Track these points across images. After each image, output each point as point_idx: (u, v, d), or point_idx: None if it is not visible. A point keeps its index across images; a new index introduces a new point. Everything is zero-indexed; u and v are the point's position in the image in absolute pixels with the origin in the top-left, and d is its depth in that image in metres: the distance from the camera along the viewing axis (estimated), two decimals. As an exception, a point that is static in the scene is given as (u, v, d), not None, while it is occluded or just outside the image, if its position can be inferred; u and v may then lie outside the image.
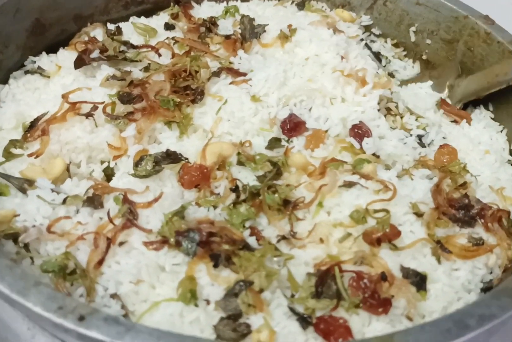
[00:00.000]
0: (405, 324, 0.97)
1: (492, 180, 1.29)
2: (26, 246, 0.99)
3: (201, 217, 1.05)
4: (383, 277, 0.99)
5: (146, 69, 1.36)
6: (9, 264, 0.79)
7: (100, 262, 0.97)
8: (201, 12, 1.67)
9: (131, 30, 1.54)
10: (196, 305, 0.94)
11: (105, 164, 1.21)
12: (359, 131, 1.24)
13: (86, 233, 1.00)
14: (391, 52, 1.72)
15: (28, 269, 0.96)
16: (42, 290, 0.77)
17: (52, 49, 1.46)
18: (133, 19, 1.61)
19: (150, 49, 1.43)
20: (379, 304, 0.96)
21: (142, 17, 1.62)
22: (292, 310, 0.96)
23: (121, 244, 0.99)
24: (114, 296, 0.96)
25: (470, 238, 1.13)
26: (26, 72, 1.37)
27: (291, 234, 1.09)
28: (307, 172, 1.18)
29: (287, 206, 1.11)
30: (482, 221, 1.14)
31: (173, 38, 1.48)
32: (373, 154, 1.23)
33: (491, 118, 1.48)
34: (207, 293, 0.97)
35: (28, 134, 1.18)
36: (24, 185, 1.10)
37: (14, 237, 0.99)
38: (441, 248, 1.09)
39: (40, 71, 1.36)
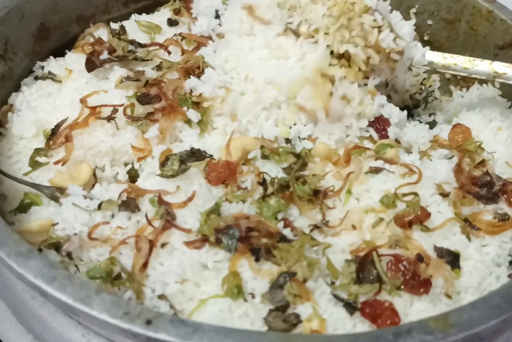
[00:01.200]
0: (444, 302, 1.01)
1: (507, 155, 1.32)
2: (68, 255, 1.00)
3: (236, 213, 1.07)
4: (420, 258, 1.02)
5: (159, 67, 1.36)
6: (67, 274, 0.80)
7: (145, 265, 0.98)
8: (200, 5, 1.66)
9: (134, 28, 1.53)
10: (245, 300, 0.96)
11: (129, 166, 1.22)
12: (379, 125, 1.26)
13: (127, 237, 1.01)
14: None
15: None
16: (105, 297, 0.78)
17: (57, 53, 1.45)
18: (134, 16, 1.60)
19: (158, 47, 1.43)
20: (420, 284, 0.99)
21: (143, 14, 1.61)
22: (336, 296, 0.98)
23: (163, 245, 1.01)
24: (161, 297, 0.97)
25: (496, 213, 1.16)
26: (36, 78, 1.36)
27: (323, 222, 1.12)
28: (332, 161, 1.20)
29: (317, 195, 1.14)
30: (505, 196, 1.18)
31: (180, 34, 1.47)
32: (394, 139, 1.27)
33: (499, 95, 1.51)
34: (251, 287, 0.99)
35: (51, 142, 1.18)
36: (56, 193, 1.10)
37: (56, 246, 1.00)
38: (469, 225, 1.12)
39: (51, 76, 1.35)
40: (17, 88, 1.34)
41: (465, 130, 1.37)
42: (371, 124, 1.26)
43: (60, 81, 1.35)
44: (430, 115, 1.59)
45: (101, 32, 1.50)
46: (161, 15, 1.61)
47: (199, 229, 1.02)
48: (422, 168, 1.19)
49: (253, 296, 0.99)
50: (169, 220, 1.02)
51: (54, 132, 1.20)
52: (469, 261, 1.08)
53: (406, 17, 1.68)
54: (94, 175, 1.17)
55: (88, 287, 0.79)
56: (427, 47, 1.41)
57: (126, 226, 1.03)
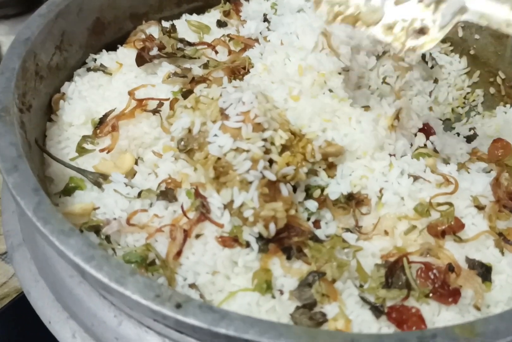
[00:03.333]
0: (473, 313, 1.00)
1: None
2: (107, 238, 1.04)
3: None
4: (451, 268, 1.02)
5: (205, 66, 1.39)
6: (105, 255, 0.83)
7: (179, 253, 1.01)
8: (249, 9, 1.70)
9: (184, 27, 1.58)
10: (273, 296, 0.98)
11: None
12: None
13: (163, 226, 1.04)
14: (437, 48, 1.74)
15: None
16: (138, 279, 0.80)
17: (110, 47, 1.50)
18: (185, 16, 1.65)
19: (206, 46, 1.47)
20: (449, 294, 0.99)
21: (194, 15, 1.66)
22: (363, 299, 0.99)
23: (197, 236, 1.03)
24: (192, 286, 1.00)
25: (531, 230, 1.15)
26: (89, 69, 1.41)
27: (356, 228, 1.13)
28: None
29: (351, 201, 1.15)
30: (542, 214, 1.17)
31: (228, 35, 1.51)
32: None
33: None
34: (280, 283, 1.01)
35: (98, 130, 1.22)
36: (99, 179, 1.14)
37: (96, 229, 1.03)
38: (504, 240, 1.11)
39: (102, 68, 1.40)
40: (70, 78, 1.39)
41: (506, 145, 1.35)
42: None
43: (111, 74, 1.39)
44: (470, 129, 1.59)
45: (153, 30, 1.55)
46: (211, 17, 1.65)
47: (230, 231, 1.04)
48: (459, 179, 1.18)
49: (281, 292, 1.01)
50: (203, 212, 1.04)
51: (101, 121, 1.24)
52: (501, 275, 1.07)
53: (454, 30, 1.69)
54: (137, 164, 1.21)
55: (124, 268, 0.81)
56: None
57: (163, 215, 1.06)
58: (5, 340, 1.42)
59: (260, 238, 1.03)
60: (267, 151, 1.07)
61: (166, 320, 0.78)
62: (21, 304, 1.11)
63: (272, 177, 1.03)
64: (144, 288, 0.79)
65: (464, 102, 1.72)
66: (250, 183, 1.03)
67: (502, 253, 1.10)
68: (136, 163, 1.21)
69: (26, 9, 2.46)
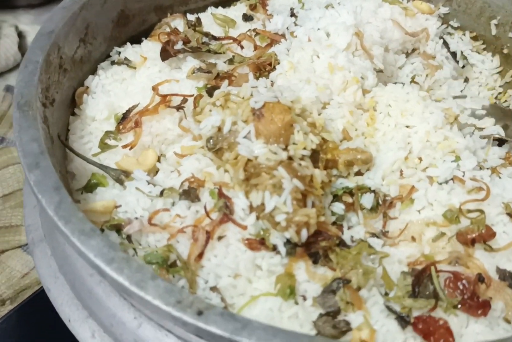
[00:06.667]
0: (502, 326, 0.97)
1: None
2: (128, 238, 1.02)
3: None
4: (481, 278, 0.99)
5: (230, 61, 1.37)
6: (125, 257, 0.81)
7: (201, 255, 0.99)
8: (276, 2, 1.66)
9: (210, 20, 1.55)
10: (296, 303, 0.95)
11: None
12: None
13: (185, 226, 1.01)
14: (469, 46, 1.68)
15: (132, 260, 0.98)
16: (160, 283, 0.78)
17: (134, 40, 1.48)
18: (210, 9, 1.61)
19: (232, 41, 1.44)
20: (478, 305, 0.95)
21: (220, 8, 1.62)
22: (389, 308, 0.96)
23: (219, 238, 1.01)
24: (213, 289, 0.98)
25: None
26: (112, 63, 1.39)
27: (382, 232, 1.10)
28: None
29: (380, 205, 1.11)
30: None
31: (254, 30, 1.48)
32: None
33: None
34: (304, 289, 0.98)
35: (121, 126, 1.20)
36: (121, 176, 1.12)
37: (117, 228, 1.02)
38: (536, 250, 1.07)
39: (126, 62, 1.38)
40: (94, 71, 1.37)
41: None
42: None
43: (135, 68, 1.37)
44: (502, 132, 1.54)
45: (178, 23, 1.52)
46: (237, 10, 1.61)
47: (256, 233, 1.01)
48: (491, 185, 1.14)
49: (304, 298, 0.98)
50: (226, 213, 1.02)
51: (124, 116, 1.22)
52: (533, 287, 1.03)
53: (486, 28, 1.64)
54: (159, 161, 1.19)
55: (144, 271, 0.79)
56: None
57: (185, 215, 1.04)
58: (26, 334, 1.42)
59: (287, 241, 1.00)
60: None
61: (186, 327, 0.76)
62: (43, 296, 1.09)
63: (302, 186, 1.00)
64: (165, 293, 0.77)
65: (495, 103, 1.66)
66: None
67: (535, 264, 1.06)
68: (158, 160, 1.19)
69: (50, -1, 2.47)
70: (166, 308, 0.76)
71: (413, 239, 1.08)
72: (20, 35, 2.32)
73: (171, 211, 1.05)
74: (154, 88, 1.24)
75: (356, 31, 1.36)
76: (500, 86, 1.66)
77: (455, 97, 1.47)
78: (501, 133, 1.30)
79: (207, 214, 1.03)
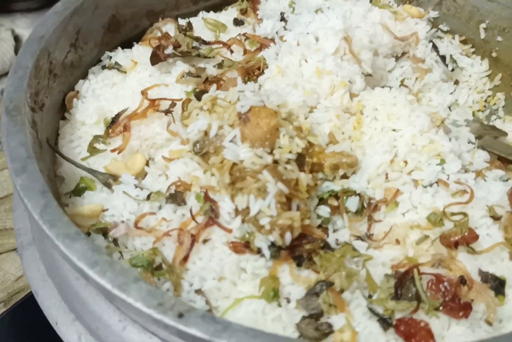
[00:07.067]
0: (484, 328, 0.98)
1: None
2: (114, 241, 1.03)
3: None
4: (463, 280, 1.00)
5: (220, 65, 1.38)
6: (109, 260, 0.82)
7: (186, 258, 1.00)
8: (267, 7, 1.67)
9: (201, 25, 1.56)
10: (279, 305, 0.96)
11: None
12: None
13: (171, 230, 1.03)
14: (458, 49, 1.69)
15: (117, 263, 1.00)
16: (142, 286, 0.80)
17: (126, 44, 1.50)
18: (202, 14, 1.63)
19: (221, 45, 1.45)
20: (459, 307, 0.96)
21: (211, 12, 1.64)
22: (372, 310, 0.97)
23: (205, 241, 1.02)
24: (198, 291, 0.99)
25: (549, 243, 1.11)
26: (103, 67, 1.41)
27: (367, 235, 1.11)
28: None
29: (365, 209, 1.13)
30: (561, 226, 1.13)
31: (244, 34, 1.49)
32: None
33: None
34: (287, 291, 1.00)
35: (110, 130, 1.21)
36: (109, 180, 1.13)
37: (104, 231, 1.03)
38: (519, 252, 1.08)
39: (117, 66, 1.39)
40: (84, 76, 1.39)
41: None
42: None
43: (125, 72, 1.39)
44: (490, 134, 1.55)
45: (169, 27, 1.54)
46: (228, 14, 1.63)
47: (241, 237, 1.02)
48: (475, 188, 1.15)
49: (288, 300, 0.99)
50: (212, 217, 1.03)
51: (114, 121, 1.23)
52: (515, 289, 1.04)
53: (476, 32, 1.65)
54: (148, 165, 1.20)
55: (127, 274, 0.81)
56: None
57: (171, 219, 1.05)
58: (19, 336, 1.43)
59: (272, 245, 1.02)
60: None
61: (168, 329, 0.77)
62: (35, 299, 1.10)
63: (286, 190, 1.01)
64: (147, 296, 0.79)
65: (484, 106, 1.68)
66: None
67: (517, 266, 1.07)
68: (147, 164, 1.20)
69: (48, 3, 2.48)
70: (148, 310, 0.78)
71: (397, 241, 1.09)
72: (17, 39, 2.34)
73: (157, 215, 1.06)
74: (143, 93, 1.26)
75: (344, 35, 1.37)
76: (489, 89, 1.68)
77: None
78: (472, 139, 1.32)
79: (193, 217, 1.04)
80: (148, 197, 1.09)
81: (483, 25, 1.63)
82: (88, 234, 1.03)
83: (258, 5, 1.66)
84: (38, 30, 1.22)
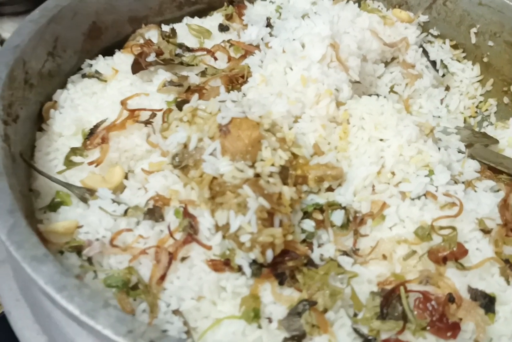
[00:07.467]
0: (473, 349, 0.95)
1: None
2: (89, 259, 0.99)
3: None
4: (451, 298, 0.96)
5: (203, 73, 1.34)
6: (77, 284, 0.79)
7: (163, 278, 0.96)
8: (253, 12, 1.64)
9: (185, 31, 1.52)
10: (259, 327, 0.93)
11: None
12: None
13: (148, 247, 0.99)
14: (449, 54, 1.66)
15: (91, 283, 0.96)
16: (111, 312, 0.76)
17: (108, 52, 1.46)
18: (186, 19, 1.59)
19: (206, 52, 1.42)
20: (447, 328, 0.93)
21: (196, 18, 1.60)
22: (356, 331, 0.94)
23: (183, 259, 0.99)
24: (176, 312, 0.95)
25: (541, 257, 1.08)
26: (83, 76, 1.36)
27: (353, 250, 1.07)
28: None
29: (350, 222, 1.09)
30: (553, 239, 1.09)
31: (228, 41, 1.45)
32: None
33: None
34: (269, 311, 0.96)
35: (88, 142, 1.17)
36: (86, 194, 1.09)
37: (78, 249, 0.99)
38: (510, 267, 1.05)
39: (97, 75, 1.35)
40: (63, 85, 1.34)
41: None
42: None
43: (106, 81, 1.35)
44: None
45: (152, 34, 1.50)
46: (213, 20, 1.59)
47: (221, 254, 0.99)
48: (465, 200, 1.12)
49: (270, 320, 0.96)
50: (191, 233, 0.99)
51: (92, 132, 1.19)
52: (506, 306, 1.01)
53: (466, 36, 1.61)
54: (127, 178, 1.16)
55: (96, 299, 0.77)
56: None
57: (148, 236, 1.01)
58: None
59: (253, 262, 0.98)
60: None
61: (138, 358, 0.73)
62: (6, 320, 1.06)
63: (268, 205, 0.98)
64: (116, 322, 0.75)
65: (476, 112, 1.64)
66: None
67: (508, 282, 1.04)
68: (126, 177, 1.16)
69: (35, 6, 2.44)
70: (117, 338, 0.74)
71: (384, 257, 1.06)
72: (3, 42, 2.29)
73: (134, 231, 1.02)
74: (123, 103, 1.22)
75: (331, 42, 1.33)
76: (481, 95, 1.64)
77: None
78: (462, 148, 1.28)
79: (171, 234, 1.00)
80: (125, 212, 1.05)
81: (474, 30, 1.60)
82: (61, 252, 0.99)
83: (244, 10, 1.62)
84: (13, 39, 1.18)
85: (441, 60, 1.62)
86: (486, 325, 0.96)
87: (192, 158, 1.06)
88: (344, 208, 1.11)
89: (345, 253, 1.07)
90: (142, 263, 0.98)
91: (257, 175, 1.04)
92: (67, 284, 0.78)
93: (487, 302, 0.99)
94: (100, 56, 1.43)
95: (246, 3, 1.65)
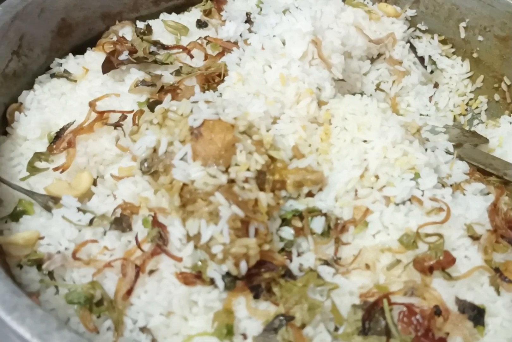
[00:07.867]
0: (461, 364, 0.89)
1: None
2: (50, 273, 0.93)
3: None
4: (437, 311, 0.90)
5: (178, 72, 1.28)
6: (30, 304, 0.72)
7: (129, 292, 0.90)
8: (233, 7, 1.57)
9: (161, 27, 1.46)
10: (232, 344, 0.87)
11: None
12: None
13: (113, 260, 0.93)
14: (438, 50, 1.59)
15: (52, 299, 0.89)
16: (66, 335, 0.70)
17: (79, 50, 1.39)
18: (163, 15, 1.52)
19: (181, 50, 1.35)
20: (433, 343, 0.87)
21: (173, 14, 1.53)
22: (336, 348, 0.88)
23: (151, 272, 0.92)
24: (143, 329, 0.89)
25: (533, 264, 1.02)
26: (52, 75, 1.30)
27: (334, 259, 1.01)
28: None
29: (331, 230, 1.03)
30: (546, 245, 1.04)
31: (205, 37, 1.39)
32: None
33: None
34: (244, 326, 0.90)
35: (54, 146, 1.11)
36: (49, 202, 1.03)
37: (38, 263, 0.93)
38: (500, 276, 0.99)
39: (66, 75, 1.28)
40: (31, 85, 1.27)
41: (506, 165, 1.23)
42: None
43: (75, 81, 1.28)
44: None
45: (127, 31, 1.44)
46: (191, 16, 1.52)
47: (193, 266, 0.93)
48: (453, 204, 1.06)
49: (244, 337, 0.90)
50: (160, 244, 0.93)
51: (58, 135, 1.13)
52: (496, 318, 0.95)
53: (455, 31, 1.56)
54: (95, 184, 1.10)
55: (50, 321, 0.71)
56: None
57: (114, 247, 0.95)
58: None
59: (226, 274, 0.92)
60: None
61: (94, 385, 0.67)
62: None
63: (241, 213, 0.91)
64: (70, 347, 0.69)
65: (466, 109, 1.58)
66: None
67: (498, 292, 0.98)
68: (94, 183, 1.09)
69: None
70: (71, 364, 0.68)
71: (367, 266, 0.99)
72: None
73: (100, 242, 0.96)
74: (91, 104, 1.15)
75: (313, 38, 1.27)
76: (471, 92, 1.58)
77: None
78: (450, 149, 1.22)
79: (139, 245, 0.94)
80: (91, 222, 0.98)
81: (463, 24, 1.54)
82: (21, 266, 0.92)
83: (223, 5, 1.55)
84: (-28, 38, 1.11)
85: (429, 56, 1.56)
86: (475, 340, 0.91)
87: (162, 164, 1.00)
88: (325, 214, 1.04)
89: (325, 263, 1.00)
90: (107, 277, 0.92)
91: (231, 181, 0.97)
92: (18, 304, 0.72)
93: (476, 314, 0.93)
94: (71, 54, 1.36)
95: (227, -2, 1.59)
